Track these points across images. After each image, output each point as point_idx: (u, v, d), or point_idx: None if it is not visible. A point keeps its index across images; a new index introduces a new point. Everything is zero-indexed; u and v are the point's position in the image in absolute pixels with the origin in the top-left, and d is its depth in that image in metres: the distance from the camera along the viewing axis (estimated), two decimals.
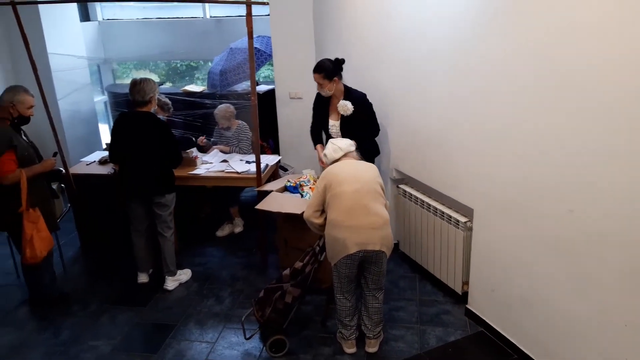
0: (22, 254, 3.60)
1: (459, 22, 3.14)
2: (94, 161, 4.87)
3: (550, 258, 2.79)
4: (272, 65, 5.32)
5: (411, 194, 4.04)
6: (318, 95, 4.10)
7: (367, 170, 3.22)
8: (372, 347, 3.32)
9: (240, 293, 4.07)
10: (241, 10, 3.90)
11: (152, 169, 3.85)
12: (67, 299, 4.01)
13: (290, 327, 3.40)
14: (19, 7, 4.12)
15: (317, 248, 3.37)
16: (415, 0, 3.53)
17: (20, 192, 3.44)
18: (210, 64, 6.34)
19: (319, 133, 4.28)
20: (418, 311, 3.73)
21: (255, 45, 5.31)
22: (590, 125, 2.41)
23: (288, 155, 5.35)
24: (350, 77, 4.26)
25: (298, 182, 4.19)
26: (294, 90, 5.12)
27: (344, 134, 4.00)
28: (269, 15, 5.05)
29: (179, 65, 7.99)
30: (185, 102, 5.76)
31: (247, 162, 4.67)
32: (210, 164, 4.69)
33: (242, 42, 5.79)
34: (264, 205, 3.92)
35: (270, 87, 5.90)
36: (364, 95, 3.98)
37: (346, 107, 3.90)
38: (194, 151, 4.85)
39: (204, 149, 5.11)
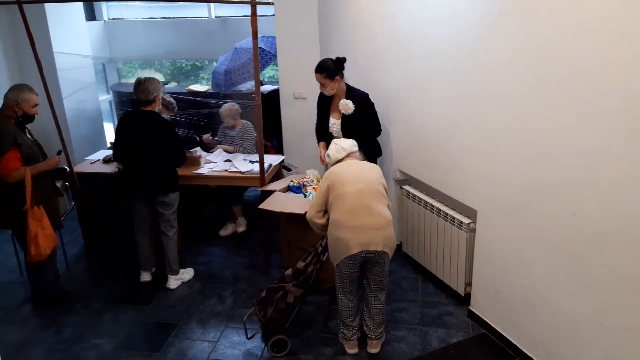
0: (26, 252, 3.62)
1: (463, 23, 3.14)
2: (98, 160, 4.88)
3: (553, 259, 2.78)
4: (276, 65, 5.32)
5: (414, 195, 4.03)
6: (321, 93, 4.10)
7: (370, 170, 3.22)
8: (373, 348, 3.32)
9: (242, 292, 4.07)
10: (246, 10, 3.91)
11: (156, 168, 3.86)
12: (70, 297, 4.02)
13: (292, 327, 3.40)
14: (25, 6, 4.14)
15: (320, 248, 3.37)
16: (419, 1, 3.53)
17: (25, 190, 3.46)
18: (215, 63, 6.35)
19: (323, 131, 4.28)
20: (420, 312, 3.72)
21: (260, 45, 5.34)
22: (593, 126, 2.40)
23: (292, 155, 5.35)
24: (354, 77, 4.26)
25: (301, 182, 4.19)
26: (298, 91, 5.12)
27: (345, 133, 4.00)
28: (273, 15, 5.05)
29: (184, 65, 8.01)
30: (189, 102, 5.77)
31: (251, 161, 4.67)
32: (214, 163, 4.70)
33: (247, 42, 5.79)
34: (267, 205, 3.92)
35: (274, 87, 5.90)
36: (366, 95, 3.98)
37: (347, 106, 3.90)
38: (197, 150, 4.86)
39: (208, 147, 5.12)
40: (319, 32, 4.97)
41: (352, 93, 3.98)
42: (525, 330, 3.11)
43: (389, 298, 3.68)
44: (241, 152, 5.05)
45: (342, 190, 3.07)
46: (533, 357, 3.08)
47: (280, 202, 3.94)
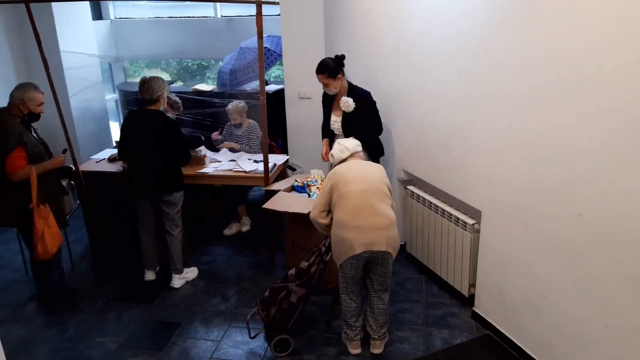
0: (33, 250, 3.64)
1: (469, 23, 3.12)
2: (104, 159, 4.90)
3: (557, 260, 2.76)
4: (282, 65, 5.32)
5: (419, 195, 4.02)
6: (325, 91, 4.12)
7: (374, 170, 3.21)
8: (377, 349, 3.31)
9: (246, 292, 4.08)
10: (252, 9, 3.91)
11: (161, 167, 3.87)
12: (74, 295, 4.04)
13: (295, 327, 3.40)
14: (32, 5, 4.16)
15: (323, 248, 3.37)
16: (423, 2, 3.52)
17: (31, 188, 3.47)
18: (221, 63, 6.36)
19: (327, 129, 4.29)
20: (424, 313, 3.71)
21: (265, 45, 5.34)
22: (599, 127, 2.38)
23: (296, 155, 5.35)
24: (359, 77, 4.25)
25: (305, 182, 4.19)
26: (304, 90, 5.12)
27: (345, 131, 4.02)
28: (279, 15, 5.05)
29: (190, 64, 8.03)
30: (194, 101, 5.78)
31: (255, 161, 4.67)
32: (219, 162, 4.70)
33: (253, 41, 5.79)
34: (271, 204, 3.92)
35: (279, 86, 5.91)
36: (367, 94, 3.97)
37: (347, 103, 3.90)
38: (202, 150, 4.87)
39: (217, 144, 5.14)
40: (325, 32, 4.97)
41: (354, 91, 3.98)
42: (530, 332, 3.09)
43: (392, 298, 3.68)
44: (247, 151, 5.05)
45: (345, 190, 3.06)
46: (537, 359, 3.06)
47: (284, 201, 3.94)
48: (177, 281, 4.16)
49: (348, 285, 3.18)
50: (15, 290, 4.20)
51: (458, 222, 3.59)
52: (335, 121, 4.11)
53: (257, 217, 5.13)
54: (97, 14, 6.90)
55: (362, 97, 3.94)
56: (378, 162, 3.96)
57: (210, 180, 4.60)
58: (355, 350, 3.32)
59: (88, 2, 6.35)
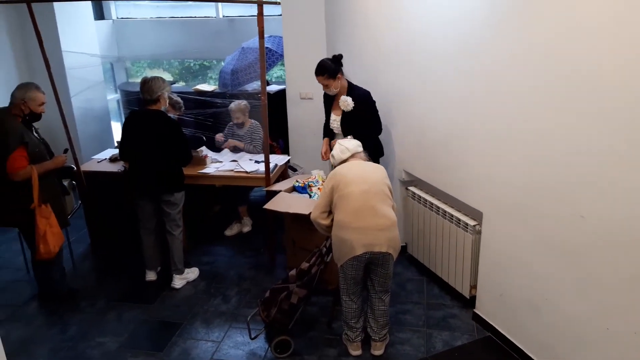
0: (35, 250, 3.64)
1: (468, 23, 3.11)
2: (105, 159, 4.90)
3: (558, 262, 2.75)
4: (284, 65, 5.32)
5: (420, 196, 4.01)
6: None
7: (375, 171, 3.21)
8: (377, 350, 3.30)
9: (247, 293, 4.07)
10: (254, 10, 3.92)
11: (162, 167, 3.87)
12: (75, 295, 4.04)
13: (296, 327, 3.40)
14: (34, 5, 4.17)
15: (324, 249, 3.36)
16: (423, 2, 3.51)
17: (32, 188, 3.48)
18: (222, 63, 6.36)
19: (327, 128, 4.30)
20: (425, 314, 3.70)
21: (266, 45, 5.33)
22: (600, 127, 2.37)
23: (297, 156, 5.35)
24: (360, 77, 4.25)
25: (307, 183, 4.18)
26: (305, 91, 5.12)
27: (344, 130, 4.03)
28: (281, 15, 5.05)
29: (192, 64, 8.03)
30: (196, 101, 5.78)
31: (257, 161, 4.67)
32: (220, 163, 4.70)
33: (254, 41, 5.78)
34: (272, 205, 3.92)
35: (281, 87, 5.90)
36: (367, 93, 3.98)
37: (346, 102, 3.91)
38: (203, 150, 4.87)
39: (218, 144, 5.14)
40: (326, 32, 4.97)
41: (354, 90, 3.99)
42: (531, 334, 3.08)
43: (393, 300, 3.67)
44: (251, 151, 5.04)
45: (346, 191, 3.06)
46: None
47: (285, 202, 3.94)
48: (178, 281, 4.16)
49: (349, 287, 3.18)
50: (16, 290, 4.20)
51: (459, 224, 3.58)
52: (335, 120, 4.12)
53: (258, 218, 5.13)
54: (99, 14, 6.91)
55: (362, 97, 3.94)
56: (378, 162, 3.96)
57: (212, 180, 4.60)
58: (355, 351, 3.31)
59: (90, 2, 6.36)
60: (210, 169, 4.56)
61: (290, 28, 5.04)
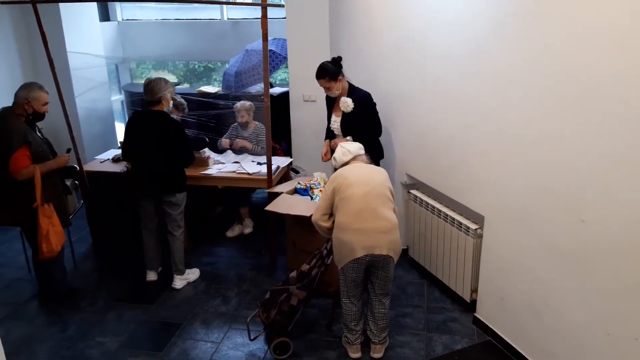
0: (36, 249, 3.65)
1: (473, 25, 3.11)
2: (108, 159, 4.92)
3: (560, 267, 2.74)
4: (288, 67, 5.33)
5: (422, 199, 4.01)
6: None
7: (376, 173, 3.20)
8: (377, 353, 3.29)
9: (247, 294, 4.07)
10: (258, 12, 3.92)
11: (164, 167, 3.87)
12: (76, 295, 4.05)
13: (296, 329, 3.39)
14: (39, 6, 4.19)
15: (325, 251, 3.36)
16: (426, 4, 3.51)
17: (35, 187, 3.49)
18: (227, 65, 6.38)
19: (328, 129, 4.31)
20: (425, 318, 3.69)
21: (270, 48, 5.35)
22: (603, 133, 2.36)
23: (300, 158, 5.35)
24: (364, 79, 4.25)
25: (308, 185, 4.18)
26: (308, 93, 5.13)
27: (344, 131, 4.05)
28: (285, 18, 5.06)
29: (196, 66, 8.06)
30: (199, 103, 5.79)
31: (259, 163, 4.67)
32: (222, 164, 4.71)
33: (258, 44, 5.80)
34: (273, 206, 3.92)
35: (284, 89, 5.92)
36: (367, 95, 3.98)
37: (346, 103, 3.92)
38: (206, 151, 4.88)
39: (220, 146, 5.14)
40: (330, 35, 4.98)
41: (354, 92, 4.00)
42: (531, 339, 3.07)
43: (393, 303, 3.66)
44: (259, 152, 5.02)
45: (348, 193, 3.05)
46: None
47: (286, 204, 3.94)
48: (179, 282, 4.16)
49: (349, 289, 3.17)
50: (17, 288, 4.21)
51: (461, 227, 3.57)
52: (335, 121, 4.13)
53: (259, 219, 5.13)
54: (105, 16, 6.95)
55: (362, 99, 3.95)
56: (378, 165, 3.95)
57: (214, 181, 4.60)
58: (355, 354, 3.30)
59: (95, 3, 6.39)
60: (213, 170, 4.57)
61: (294, 31, 5.05)
